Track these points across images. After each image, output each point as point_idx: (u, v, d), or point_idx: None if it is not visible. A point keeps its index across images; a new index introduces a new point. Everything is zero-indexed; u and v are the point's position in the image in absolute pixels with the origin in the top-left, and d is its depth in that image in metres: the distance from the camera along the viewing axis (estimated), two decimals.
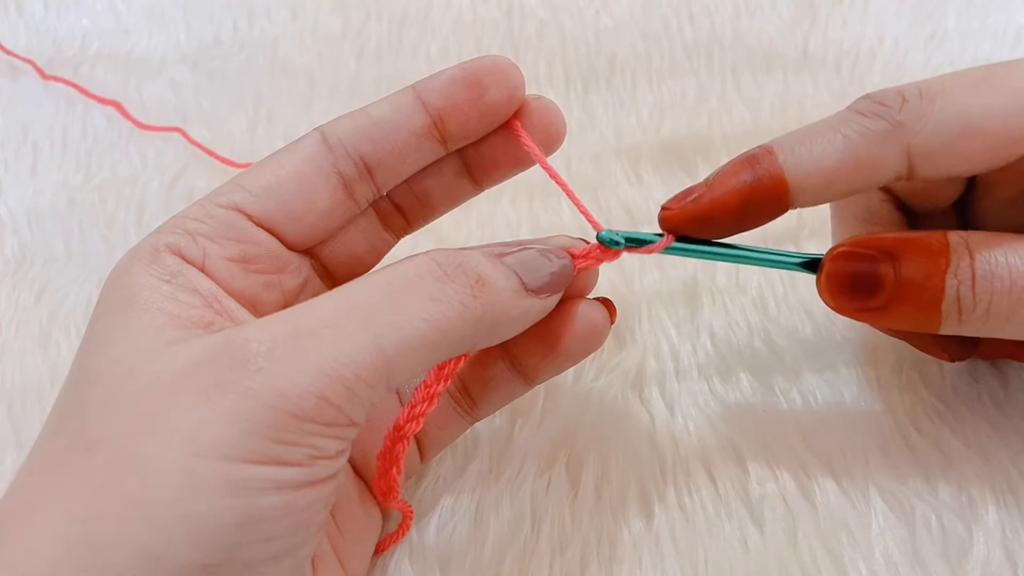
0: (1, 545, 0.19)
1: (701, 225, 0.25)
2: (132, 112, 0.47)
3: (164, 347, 0.20)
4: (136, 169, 0.44)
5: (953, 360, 0.29)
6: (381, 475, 0.25)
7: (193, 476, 0.18)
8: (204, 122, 0.47)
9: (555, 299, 0.24)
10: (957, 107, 0.23)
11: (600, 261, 0.26)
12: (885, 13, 0.51)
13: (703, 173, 0.42)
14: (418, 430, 0.24)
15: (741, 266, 0.37)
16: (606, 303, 0.27)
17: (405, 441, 0.24)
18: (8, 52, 0.51)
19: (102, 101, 0.48)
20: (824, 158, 0.24)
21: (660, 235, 0.26)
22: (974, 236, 0.24)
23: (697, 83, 0.47)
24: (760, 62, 0.48)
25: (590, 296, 0.27)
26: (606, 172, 0.43)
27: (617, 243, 0.25)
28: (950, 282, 0.24)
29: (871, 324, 0.28)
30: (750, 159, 0.25)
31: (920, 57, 0.48)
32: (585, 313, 0.26)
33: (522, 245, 0.24)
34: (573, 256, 0.25)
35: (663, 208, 0.26)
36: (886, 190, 0.30)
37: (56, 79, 0.49)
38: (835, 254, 0.25)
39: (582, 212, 0.26)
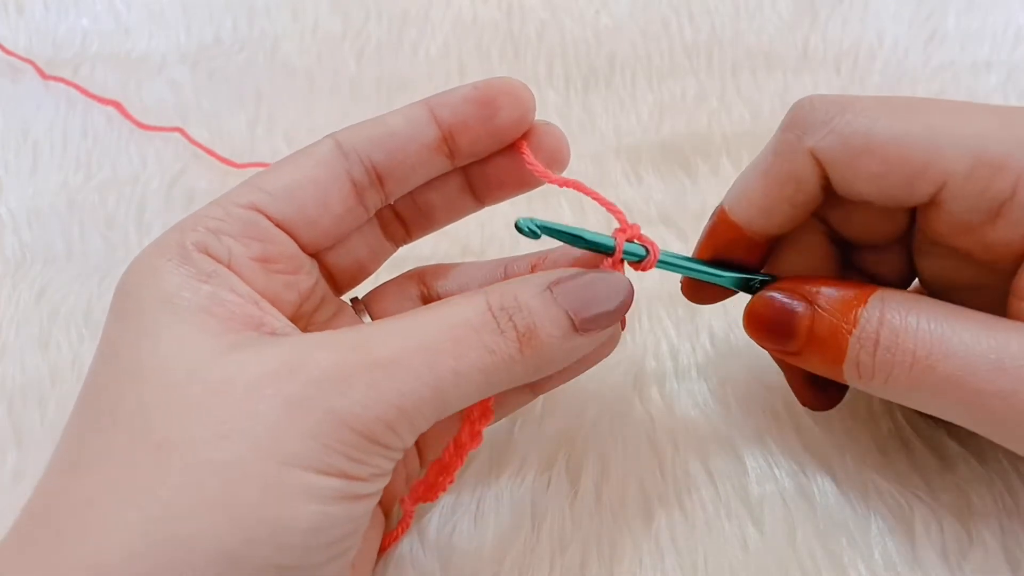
0: (65, 538, 0.19)
1: (706, 282, 0.28)
2: (132, 112, 0.47)
3: (226, 351, 0.21)
4: (136, 169, 0.44)
5: (814, 408, 0.29)
6: (429, 481, 0.27)
7: (276, 482, 0.19)
8: (204, 122, 0.47)
9: (605, 335, 0.24)
10: (865, 124, 0.23)
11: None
12: (885, 13, 0.51)
13: (703, 173, 0.43)
14: (477, 447, 0.26)
15: None
16: None
17: (462, 459, 0.26)
18: (8, 52, 0.51)
19: (102, 101, 0.48)
20: (749, 185, 0.26)
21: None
22: (896, 298, 0.24)
23: (697, 83, 0.47)
24: (760, 62, 0.48)
25: None
26: (606, 172, 0.43)
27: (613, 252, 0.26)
28: (852, 345, 0.23)
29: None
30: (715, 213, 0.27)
31: (920, 57, 0.48)
32: None
33: (580, 273, 0.24)
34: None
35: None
36: (825, 223, 0.28)
37: (56, 79, 0.49)
38: (759, 296, 0.26)
39: (612, 212, 0.27)
